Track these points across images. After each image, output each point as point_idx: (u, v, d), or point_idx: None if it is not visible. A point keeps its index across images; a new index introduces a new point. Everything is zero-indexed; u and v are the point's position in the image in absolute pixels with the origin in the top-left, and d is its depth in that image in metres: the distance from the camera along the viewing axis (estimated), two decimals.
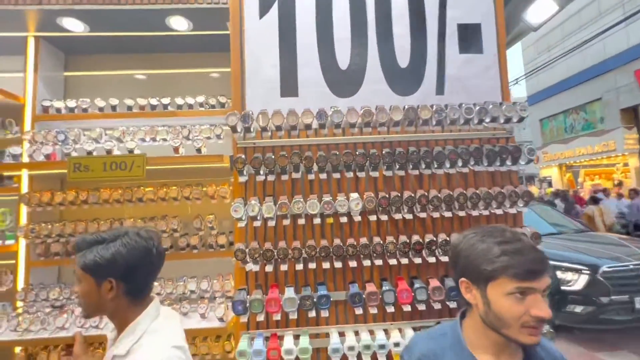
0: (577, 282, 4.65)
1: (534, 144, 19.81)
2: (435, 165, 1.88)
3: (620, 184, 14.89)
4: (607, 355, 4.12)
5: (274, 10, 2.09)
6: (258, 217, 1.83)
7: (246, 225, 1.90)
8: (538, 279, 0.76)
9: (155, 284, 2.67)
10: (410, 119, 1.88)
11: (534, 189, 18.87)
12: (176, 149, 2.45)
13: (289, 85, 2.06)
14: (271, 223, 1.84)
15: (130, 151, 2.45)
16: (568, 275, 4.71)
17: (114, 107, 2.81)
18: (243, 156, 1.85)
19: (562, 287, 4.63)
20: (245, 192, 1.98)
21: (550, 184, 19.17)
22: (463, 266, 0.88)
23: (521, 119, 1.90)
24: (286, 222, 1.85)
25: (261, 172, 1.88)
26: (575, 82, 16.45)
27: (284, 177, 1.89)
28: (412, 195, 1.83)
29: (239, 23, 2.10)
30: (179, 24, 2.72)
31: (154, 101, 2.79)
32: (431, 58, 2.07)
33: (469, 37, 2.08)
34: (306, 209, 1.80)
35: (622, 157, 15.00)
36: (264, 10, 2.10)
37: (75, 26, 2.70)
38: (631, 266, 4.62)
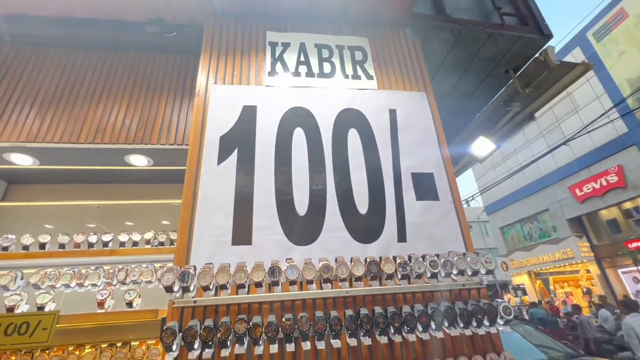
0: None
1: (499, 252, 20.44)
2: (406, 330, 1.62)
3: (589, 291, 15.00)
4: None
5: (232, 157, 2.10)
6: None
7: None
8: None
9: None
10: (373, 274, 1.70)
11: (511, 298, 18.44)
12: (101, 304, 2.03)
13: (242, 232, 1.90)
14: None
15: (40, 308, 1.99)
16: None
17: (42, 245, 2.45)
18: (174, 327, 1.50)
19: None
20: None
21: (524, 292, 18.95)
22: None
23: (489, 272, 1.79)
24: None
25: (195, 346, 1.50)
26: (522, 195, 18.33)
27: (225, 353, 1.51)
28: None
29: (196, 168, 2.06)
30: (139, 161, 2.68)
31: (93, 238, 2.48)
32: (390, 205, 2.06)
33: (424, 185, 2.15)
34: None
35: (583, 264, 15.57)
36: (223, 157, 2.11)
37: (23, 160, 2.57)
38: None
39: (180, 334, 1.52)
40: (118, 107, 2.60)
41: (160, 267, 2.37)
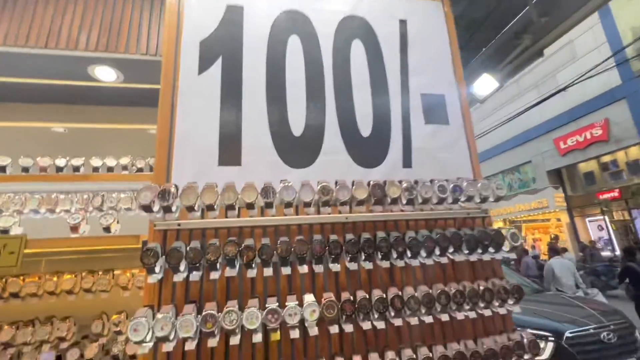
0: (545, 350, 4.41)
1: None
2: (409, 255, 1.53)
3: (556, 237, 16.16)
4: None
5: (216, 66, 1.78)
6: (171, 338, 1.26)
7: (155, 349, 1.31)
8: None
9: None
10: (376, 198, 1.55)
11: None
12: (75, 228, 1.83)
13: (230, 151, 1.67)
14: (191, 345, 1.28)
15: (4, 231, 1.78)
16: None
17: (2, 168, 2.16)
18: (156, 247, 1.34)
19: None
20: (159, 296, 1.42)
21: None
22: None
23: (499, 199, 1.68)
24: (213, 342, 1.30)
25: (181, 268, 1.36)
26: (508, 146, 18.56)
27: (214, 275, 1.39)
28: (384, 296, 1.42)
29: (172, 78, 1.74)
30: (106, 75, 2.30)
31: (61, 162, 2.21)
32: (396, 127, 1.85)
33: (434, 107, 1.93)
34: (242, 321, 1.29)
35: (555, 213, 16.53)
36: (204, 65, 1.78)
37: None
38: (591, 330, 4.51)
39: (164, 256, 1.37)
40: (73, 5, 2.13)
41: None
